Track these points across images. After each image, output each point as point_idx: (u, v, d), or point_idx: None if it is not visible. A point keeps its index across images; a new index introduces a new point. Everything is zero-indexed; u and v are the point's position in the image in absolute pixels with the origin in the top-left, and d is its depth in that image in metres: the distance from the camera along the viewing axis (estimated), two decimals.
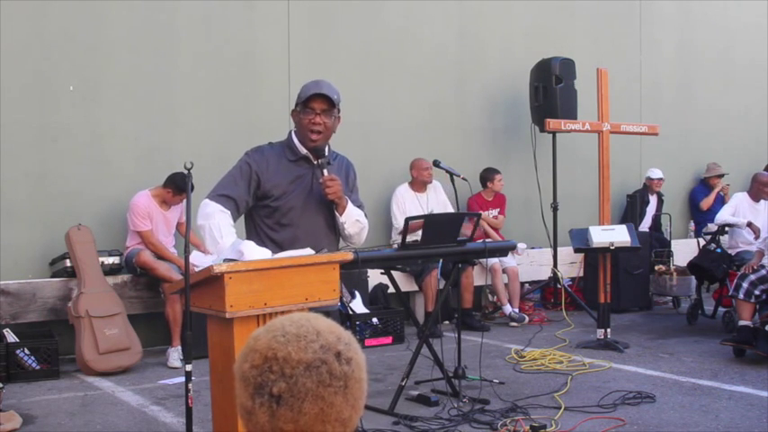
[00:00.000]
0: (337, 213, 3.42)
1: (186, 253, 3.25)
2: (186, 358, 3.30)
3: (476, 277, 7.60)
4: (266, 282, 2.94)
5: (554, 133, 7.92)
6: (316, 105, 3.36)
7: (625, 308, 8.12)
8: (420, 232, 4.86)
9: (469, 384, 5.21)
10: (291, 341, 1.29)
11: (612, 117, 6.98)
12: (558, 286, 7.94)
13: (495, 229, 8.05)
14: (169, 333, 6.11)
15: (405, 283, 7.22)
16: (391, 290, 5.82)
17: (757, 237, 7.16)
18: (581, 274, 8.48)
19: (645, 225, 9.06)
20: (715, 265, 7.29)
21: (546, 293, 8.51)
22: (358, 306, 6.79)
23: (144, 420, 4.68)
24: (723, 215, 7.56)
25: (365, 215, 3.56)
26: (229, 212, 3.32)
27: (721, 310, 7.40)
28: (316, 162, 3.41)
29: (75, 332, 5.82)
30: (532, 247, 8.32)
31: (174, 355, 6.02)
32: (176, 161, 5.33)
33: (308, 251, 3.15)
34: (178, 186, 6.13)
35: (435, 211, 7.33)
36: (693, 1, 10.23)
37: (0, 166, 6.07)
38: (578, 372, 5.68)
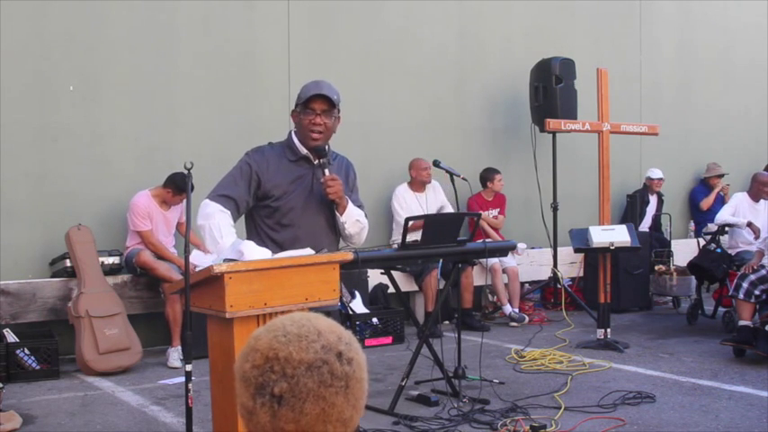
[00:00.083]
0: (338, 213, 3.42)
1: (186, 253, 3.25)
2: (186, 358, 3.30)
3: (476, 277, 7.60)
4: (266, 282, 2.94)
5: (554, 133, 7.92)
6: (316, 106, 3.36)
7: (625, 308, 8.12)
8: (420, 232, 4.86)
9: (469, 384, 5.21)
10: (293, 341, 1.29)
11: (612, 117, 6.98)
12: (558, 286, 7.94)
13: (495, 229, 8.05)
14: (169, 333, 6.11)
15: (405, 283, 7.22)
16: (391, 290, 5.82)
17: (757, 237, 7.16)
18: (581, 274, 8.48)
19: (645, 225, 9.06)
20: (715, 265, 7.29)
21: (546, 293, 8.51)
22: (358, 306, 6.79)
23: (144, 420, 4.68)
24: (723, 215, 7.56)
25: (365, 215, 3.56)
26: (229, 212, 3.32)
27: (721, 310, 7.40)
28: (316, 162, 3.41)
29: (75, 332, 5.82)
30: (532, 247, 8.32)
31: (174, 355, 6.02)
32: (176, 161, 5.33)
33: (308, 251, 3.16)
34: (178, 186, 6.13)
35: (432, 211, 7.34)
36: (693, 1, 10.23)
37: (0, 166, 6.07)
38: (578, 372, 5.68)
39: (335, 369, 1.29)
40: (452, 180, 5.29)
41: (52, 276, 6.19)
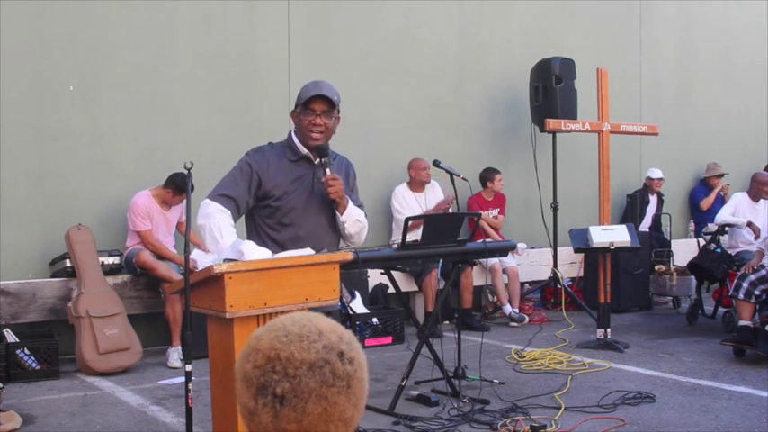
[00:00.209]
0: (338, 213, 3.42)
1: (186, 253, 3.25)
2: (186, 358, 3.30)
3: (476, 277, 7.61)
4: (266, 282, 2.94)
5: (554, 133, 7.92)
6: (316, 107, 3.36)
7: (625, 308, 8.12)
8: (420, 232, 4.86)
9: (469, 384, 5.21)
10: (294, 341, 1.29)
11: (612, 117, 6.98)
12: (558, 286, 7.94)
13: (496, 229, 8.05)
14: (169, 333, 6.11)
15: (405, 283, 7.22)
16: (391, 290, 5.82)
17: (757, 237, 7.16)
18: (581, 274, 8.48)
19: (645, 225, 9.06)
20: (715, 265, 7.29)
21: (546, 293, 8.51)
22: (358, 306, 6.79)
23: (144, 420, 4.68)
24: (723, 215, 7.56)
25: (365, 215, 3.56)
26: (229, 212, 3.32)
27: (721, 310, 7.40)
28: (317, 162, 3.41)
29: (75, 332, 5.82)
30: (532, 247, 8.32)
31: (174, 355, 6.02)
32: (176, 161, 5.33)
33: (308, 251, 3.16)
34: (178, 187, 6.13)
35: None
36: (693, 1, 10.23)
37: (0, 166, 6.07)
38: (578, 372, 5.68)
39: (337, 369, 1.29)
40: (452, 180, 5.29)
41: (52, 276, 6.19)
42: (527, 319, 7.65)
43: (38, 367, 5.63)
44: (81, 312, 5.78)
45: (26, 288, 5.97)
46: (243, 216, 3.48)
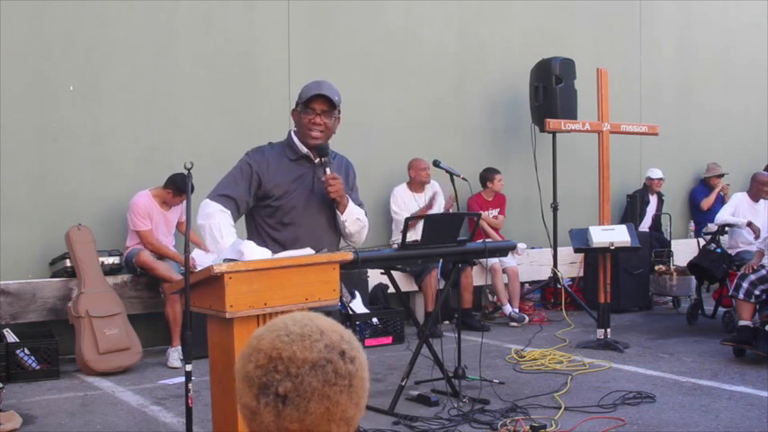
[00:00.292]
0: (338, 212, 3.42)
1: (186, 253, 3.25)
2: (186, 358, 3.30)
3: (476, 277, 7.61)
4: (266, 282, 2.94)
5: (554, 133, 7.92)
6: (316, 106, 3.37)
7: (625, 308, 8.12)
8: (420, 232, 4.86)
9: (469, 384, 5.21)
10: (296, 340, 1.29)
11: (612, 117, 6.98)
12: (558, 286, 7.94)
13: (496, 229, 8.05)
14: (169, 333, 6.11)
15: (405, 283, 7.22)
16: (391, 290, 5.82)
17: (757, 236, 7.16)
18: (581, 274, 8.48)
19: (645, 225, 9.06)
20: (715, 265, 7.29)
21: (546, 293, 8.51)
22: (358, 306, 6.79)
23: (144, 420, 4.68)
24: (723, 215, 7.57)
25: (365, 214, 3.56)
26: (229, 212, 3.32)
27: (721, 310, 7.40)
28: (317, 161, 3.41)
29: (75, 332, 5.82)
30: (532, 247, 8.32)
31: (174, 355, 6.02)
32: (176, 161, 5.33)
33: (308, 251, 3.16)
34: (178, 187, 6.13)
35: (433, 212, 7.34)
36: (693, 1, 10.23)
37: (0, 166, 6.07)
38: (578, 372, 5.68)
39: (339, 368, 1.29)
40: (452, 180, 5.29)
41: (52, 276, 6.19)
42: (527, 319, 7.65)
43: (38, 367, 5.63)
44: (81, 312, 5.78)
45: (26, 288, 5.97)
46: (243, 216, 3.48)
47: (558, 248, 8.02)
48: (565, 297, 7.66)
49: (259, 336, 1.32)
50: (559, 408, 4.75)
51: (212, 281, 2.91)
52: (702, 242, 7.90)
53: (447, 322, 7.56)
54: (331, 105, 3.38)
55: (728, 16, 10.53)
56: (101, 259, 6.12)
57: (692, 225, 9.80)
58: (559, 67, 8.05)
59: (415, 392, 5.01)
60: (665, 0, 9.95)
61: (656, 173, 9.18)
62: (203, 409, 4.43)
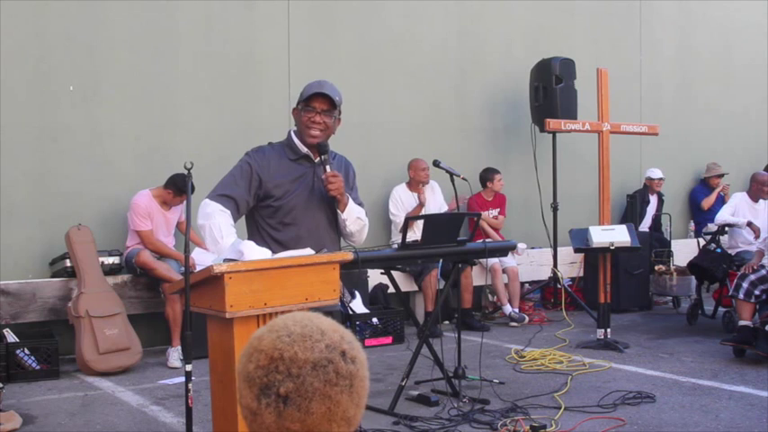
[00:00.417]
0: (339, 210, 3.42)
1: (186, 253, 3.25)
2: (186, 358, 3.30)
3: (476, 277, 7.60)
4: (266, 282, 2.93)
5: (554, 133, 7.92)
6: (317, 105, 3.37)
7: (625, 308, 8.12)
8: (420, 232, 4.86)
9: (469, 384, 5.21)
10: (297, 341, 1.29)
11: (612, 117, 6.98)
12: (558, 286, 7.94)
13: (496, 230, 8.05)
14: (169, 333, 6.11)
15: (405, 283, 7.22)
16: (391, 290, 5.82)
17: (757, 236, 7.16)
18: (581, 274, 8.48)
19: (645, 225, 9.06)
20: (715, 265, 7.29)
21: (546, 293, 8.51)
22: (358, 306, 6.79)
23: (144, 420, 4.68)
24: (723, 215, 7.57)
25: (365, 213, 3.56)
26: (229, 212, 3.32)
27: (721, 310, 7.40)
28: (317, 160, 3.41)
29: (75, 332, 5.82)
30: (532, 247, 8.32)
31: (174, 355, 6.02)
32: (176, 161, 5.33)
33: (308, 251, 3.16)
34: (179, 188, 6.13)
35: (432, 212, 7.34)
36: (693, 1, 10.23)
37: (0, 166, 6.07)
38: (578, 372, 5.68)
39: (340, 368, 1.29)
40: (452, 180, 5.29)
41: (52, 276, 6.19)
42: (527, 319, 7.65)
43: (38, 367, 5.63)
44: (81, 312, 5.78)
45: (26, 288, 5.97)
46: (243, 216, 3.48)
47: (558, 248, 8.02)
48: (565, 297, 7.66)
49: (260, 336, 1.32)
50: (559, 408, 4.75)
51: (212, 281, 2.91)
52: (702, 242, 7.90)
53: (447, 322, 7.57)
54: (331, 105, 3.38)
55: (728, 16, 10.53)
56: (101, 259, 6.12)
57: (691, 225, 9.80)
58: (559, 67, 8.05)
59: (415, 392, 5.01)
60: (665, 0, 9.95)
61: (656, 173, 9.18)
62: (203, 409, 4.43)
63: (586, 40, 9.16)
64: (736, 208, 7.56)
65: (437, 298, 6.64)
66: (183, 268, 4.99)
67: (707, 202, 9.67)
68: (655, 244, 8.51)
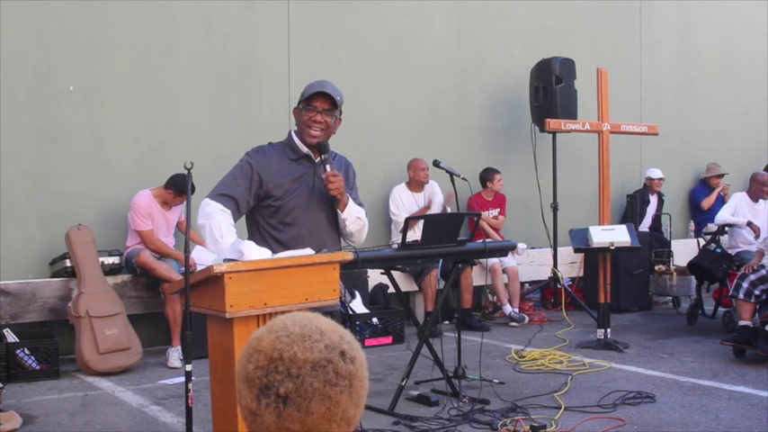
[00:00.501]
0: (339, 210, 3.42)
1: (186, 254, 3.25)
2: (186, 358, 3.30)
3: (476, 277, 7.60)
4: (266, 282, 2.93)
5: (554, 133, 7.92)
6: (318, 104, 3.37)
7: (625, 308, 8.12)
8: (420, 232, 4.86)
9: (469, 384, 5.21)
10: (296, 341, 1.29)
11: (612, 117, 6.98)
12: (558, 286, 7.93)
13: (496, 230, 8.05)
14: (169, 333, 6.11)
15: (405, 283, 7.22)
16: (391, 290, 5.82)
17: (757, 236, 7.16)
18: (581, 274, 8.48)
19: (645, 225, 9.06)
20: (715, 265, 7.29)
21: (546, 293, 8.51)
22: (358, 306, 6.79)
23: (144, 420, 4.68)
24: (723, 215, 7.57)
25: (365, 214, 3.56)
26: (230, 212, 3.32)
27: (721, 310, 7.40)
28: (317, 160, 3.41)
29: (75, 332, 5.82)
30: (532, 247, 8.32)
31: (174, 355, 6.02)
32: (176, 161, 5.32)
33: (308, 251, 3.16)
34: (179, 188, 6.13)
35: (432, 212, 7.34)
36: (693, 1, 10.23)
37: (0, 166, 6.07)
38: (578, 372, 5.68)
39: (340, 368, 1.29)
40: (452, 180, 5.28)
41: (52, 276, 6.19)
42: (527, 319, 7.65)
43: (38, 367, 5.63)
44: (81, 312, 5.78)
45: (26, 288, 5.97)
46: (243, 216, 3.48)
47: (558, 248, 8.02)
48: (565, 297, 7.66)
49: (259, 337, 1.32)
50: (559, 408, 4.75)
51: (212, 281, 2.91)
52: (702, 242, 7.90)
53: (447, 322, 7.57)
54: (332, 105, 3.38)
55: (728, 16, 10.53)
56: (101, 259, 6.12)
57: (691, 225, 9.80)
58: (559, 67, 8.05)
59: (415, 392, 5.01)
60: (665, 0, 9.95)
61: (656, 173, 9.17)
62: (203, 409, 4.43)
63: (586, 40, 9.16)
64: (736, 208, 7.56)
65: (437, 298, 6.64)
66: (183, 268, 4.99)
67: (707, 203, 9.67)
68: (655, 244, 8.51)
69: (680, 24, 10.12)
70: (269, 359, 1.28)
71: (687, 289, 7.94)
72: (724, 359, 6.02)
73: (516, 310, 7.71)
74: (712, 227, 7.79)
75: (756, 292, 6.07)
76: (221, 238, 3.22)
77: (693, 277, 7.69)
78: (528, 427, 4.29)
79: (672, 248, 8.49)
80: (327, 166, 3.34)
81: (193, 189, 3.47)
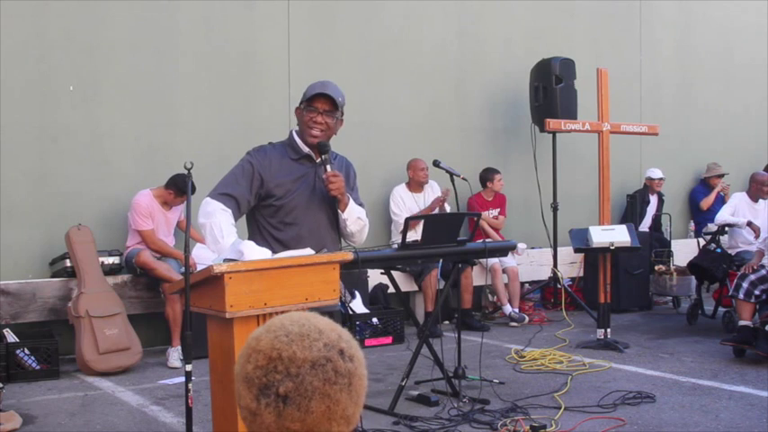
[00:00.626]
0: (339, 210, 3.43)
1: (186, 254, 3.25)
2: (186, 358, 3.30)
3: (476, 277, 7.61)
4: (266, 282, 2.93)
5: (554, 133, 7.93)
6: (319, 105, 3.38)
7: (625, 308, 8.12)
8: (420, 232, 4.86)
9: (469, 384, 5.21)
10: (295, 340, 1.29)
11: (612, 117, 6.99)
12: (558, 286, 7.93)
13: (496, 230, 8.05)
14: (169, 333, 6.11)
15: (405, 283, 7.22)
16: (391, 290, 5.82)
17: (757, 236, 7.16)
18: (581, 274, 8.48)
19: (645, 225, 9.06)
20: (715, 265, 7.29)
21: (546, 293, 8.51)
22: (358, 306, 6.79)
23: (144, 420, 4.68)
24: (723, 215, 7.57)
25: (366, 214, 3.56)
26: (230, 211, 3.32)
27: (721, 310, 7.40)
28: (318, 160, 3.42)
29: (75, 332, 5.82)
30: (532, 247, 8.32)
31: (174, 355, 6.02)
32: (176, 161, 5.33)
33: (308, 251, 3.16)
34: (180, 188, 6.13)
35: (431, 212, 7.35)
36: (693, 1, 10.23)
37: (0, 166, 6.07)
38: (578, 372, 5.68)
39: (339, 366, 1.29)
40: (452, 180, 5.29)
41: (52, 276, 6.19)
42: (527, 319, 7.65)
43: (38, 367, 5.63)
44: (81, 312, 5.78)
45: (26, 288, 5.97)
46: (244, 216, 3.48)
47: (558, 248, 8.02)
48: (565, 297, 7.66)
49: (257, 337, 1.32)
50: (559, 408, 4.75)
51: (212, 281, 2.91)
52: (702, 242, 7.90)
53: (447, 322, 7.57)
54: (333, 106, 3.39)
55: (728, 16, 10.53)
56: (101, 259, 6.12)
57: (691, 225, 9.80)
58: (559, 67, 8.05)
59: (415, 392, 5.01)
60: (665, 0, 9.95)
61: (656, 173, 9.18)
62: (203, 409, 4.44)
63: (586, 40, 9.16)
64: (736, 208, 7.56)
65: (437, 298, 6.64)
66: (183, 268, 4.99)
67: (705, 203, 9.67)
68: (655, 244, 8.51)
69: (680, 24, 10.12)
70: (268, 359, 1.28)
71: (687, 289, 7.94)
72: (724, 359, 6.02)
73: (516, 310, 7.71)
74: (712, 227, 7.79)
75: (756, 292, 6.07)
76: (222, 237, 3.22)
77: (693, 277, 7.69)
78: (528, 427, 4.29)
79: (672, 248, 8.49)
80: (328, 167, 3.34)
81: (194, 189, 3.47)
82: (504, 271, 7.78)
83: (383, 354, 6.36)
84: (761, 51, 10.72)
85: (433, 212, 7.28)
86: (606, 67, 7.06)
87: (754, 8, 10.75)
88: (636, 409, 4.76)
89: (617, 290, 7.78)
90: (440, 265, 6.46)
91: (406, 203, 7.51)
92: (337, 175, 3.33)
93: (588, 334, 6.90)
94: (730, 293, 6.49)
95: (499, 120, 8.61)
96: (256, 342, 1.31)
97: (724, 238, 7.60)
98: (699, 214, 9.71)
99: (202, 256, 5.69)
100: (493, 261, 7.57)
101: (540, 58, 8.22)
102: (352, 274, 6.40)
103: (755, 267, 6.21)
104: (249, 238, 3.35)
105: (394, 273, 5.30)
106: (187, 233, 3.49)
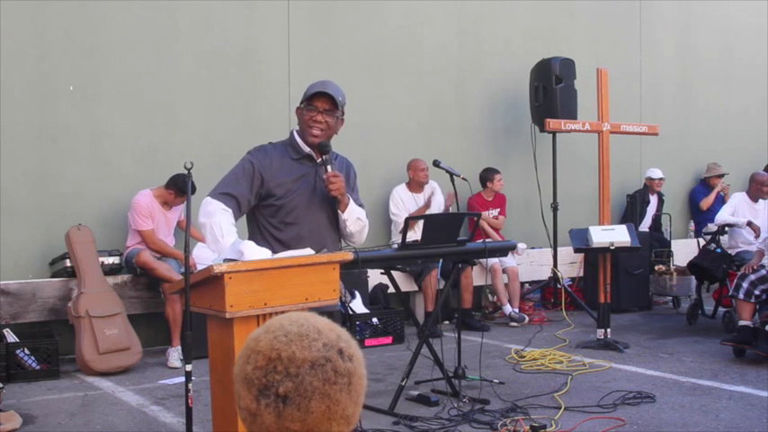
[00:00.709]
0: (339, 210, 3.43)
1: (186, 254, 3.25)
2: (186, 358, 3.30)
3: (476, 277, 7.61)
4: (266, 282, 2.94)
5: (554, 133, 7.93)
6: (319, 104, 3.38)
7: (625, 308, 8.12)
8: (420, 232, 4.86)
9: (469, 384, 5.21)
10: (294, 340, 1.29)
11: (612, 117, 6.98)
12: (558, 286, 7.94)
13: (496, 230, 8.05)
14: (169, 333, 6.11)
15: (405, 283, 7.22)
16: (391, 290, 5.82)
17: (757, 236, 7.16)
18: (581, 274, 8.48)
19: (645, 225, 9.06)
20: (715, 265, 7.29)
21: (546, 293, 8.51)
22: (358, 306, 6.79)
23: (144, 420, 4.68)
24: (723, 215, 7.57)
25: (366, 215, 3.57)
26: (231, 211, 3.32)
27: (721, 310, 7.40)
28: (319, 160, 3.42)
29: (75, 332, 5.82)
30: (532, 247, 8.32)
31: (174, 355, 6.02)
32: (176, 161, 5.32)
33: (308, 251, 3.16)
34: (180, 188, 6.13)
35: (432, 212, 7.34)
36: (693, 1, 10.23)
37: (0, 166, 6.07)
38: (578, 372, 5.68)
39: (338, 366, 1.29)
40: (452, 180, 5.28)
41: (52, 276, 6.19)
42: (527, 319, 7.65)
43: (38, 367, 5.63)
44: (81, 312, 5.78)
45: (26, 288, 5.97)
46: (244, 216, 3.48)
47: (558, 248, 8.02)
48: (565, 297, 7.66)
49: (256, 337, 1.32)
50: (559, 408, 4.75)
51: (212, 281, 2.91)
52: (702, 242, 7.90)
53: (447, 322, 7.57)
54: (333, 105, 3.39)
55: (728, 16, 10.52)
56: (101, 259, 6.13)
57: (691, 225, 9.80)
58: (559, 67, 8.05)
59: (415, 392, 5.01)
60: (665, 0, 9.95)
61: (656, 173, 9.17)
62: (203, 409, 4.44)
63: (586, 40, 9.16)
64: (736, 208, 7.56)
65: (437, 298, 6.64)
66: (183, 268, 4.99)
67: (705, 203, 9.67)
68: (655, 244, 8.51)
69: (680, 24, 10.12)
70: (267, 359, 1.28)
71: (687, 289, 7.94)
72: (724, 359, 6.02)
73: (516, 310, 7.71)
74: (712, 227, 7.79)
75: (756, 292, 6.07)
76: (222, 237, 3.22)
77: (693, 277, 7.69)
78: (528, 427, 4.29)
79: (672, 248, 8.49)
80: (328, 167, 3.34)
81: (194, 189, 3.47)
82: (504, 271, 7.78)
83: (383, 354, 6.36)
84: (761, 51, 10.71)
85: (433, 213, 7.28)
86: (606, 66, 7.06)
87: (755, 8, 10.75)
88: (636, 409, 4.76)
89: (617, 290, 7.78)
90: (440, 265, 6.46)
91: (405, 204, 7.51)
92: (338, 176, 3.33)
93: (588, 334, 6.90)
94: (730, 293, 6.49)
95: (499, 120, 8.61)
96: (255, 343, 1.31)
97: (724, 238, 7.60)
98: (699, 214, 9.71)
99: (203, 256, 5.69)
100: (493, 261, 7.57)
101: (540, 58, 8.22)
102: (352, 274, 6.42)
103: (755, 267, 6.21)
104: (249, 238, 3.35)
105: (394, 273, 5.29)
106: (187, 233, 3.49)
